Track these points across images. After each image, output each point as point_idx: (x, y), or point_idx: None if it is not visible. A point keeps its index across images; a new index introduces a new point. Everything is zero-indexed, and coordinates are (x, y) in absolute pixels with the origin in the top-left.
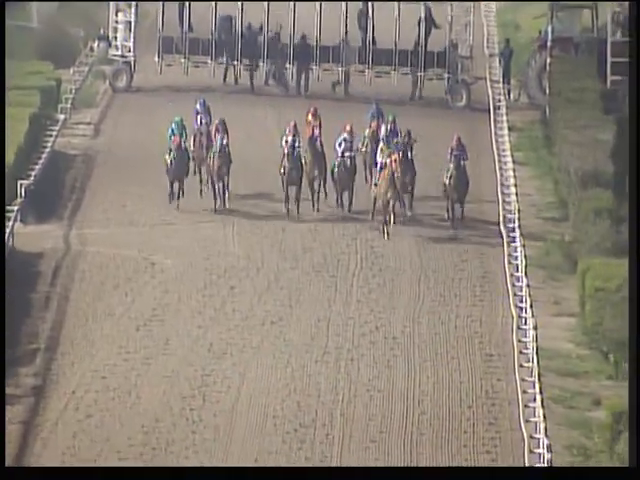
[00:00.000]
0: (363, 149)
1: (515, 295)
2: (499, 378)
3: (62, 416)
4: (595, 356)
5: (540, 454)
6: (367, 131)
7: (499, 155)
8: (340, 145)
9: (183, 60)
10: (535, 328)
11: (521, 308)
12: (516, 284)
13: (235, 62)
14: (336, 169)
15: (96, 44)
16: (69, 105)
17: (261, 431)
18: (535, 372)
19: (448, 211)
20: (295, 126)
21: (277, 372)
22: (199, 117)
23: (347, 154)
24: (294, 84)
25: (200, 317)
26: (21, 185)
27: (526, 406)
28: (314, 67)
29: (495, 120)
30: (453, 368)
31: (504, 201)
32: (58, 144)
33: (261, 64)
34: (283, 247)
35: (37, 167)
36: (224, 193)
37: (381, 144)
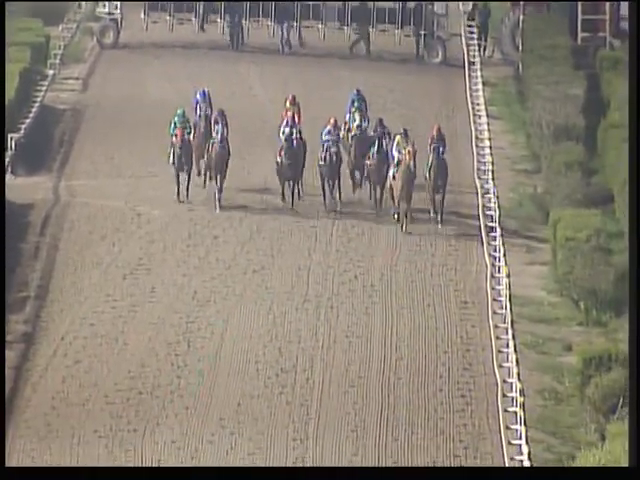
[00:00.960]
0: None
1: (489, 244)
2: (473, 324)
3: (51, 362)
4: (566, 303)
5: (513, 398)
6: (351, 125)
7: (474, 109)
8: (325, 139)
9: (168, 18)
10: (508, 276)
11: (495, 257)
12: (490, 234)
13: (219, 19)
14: (321, 162)
15: (84, 2)
16: (58, 61)
17: (243, 376)
18: (508, 319)
19: (432, 203)
20: (293, 117)
21: (259, 319)
22: (199, 107)
23: (333, 149)
24: (278, 41)
25: (185, 266)
26: (11, 138)
27: (499, 351)
28: (295, 24)
29: (470, 76)
30: (429, 315)
31: (478, 154)
32: (47, 98)
33: (244, 22)
34: (265, 198)
35: (27, 121)
36: (221, 185)
37: (398, 137)
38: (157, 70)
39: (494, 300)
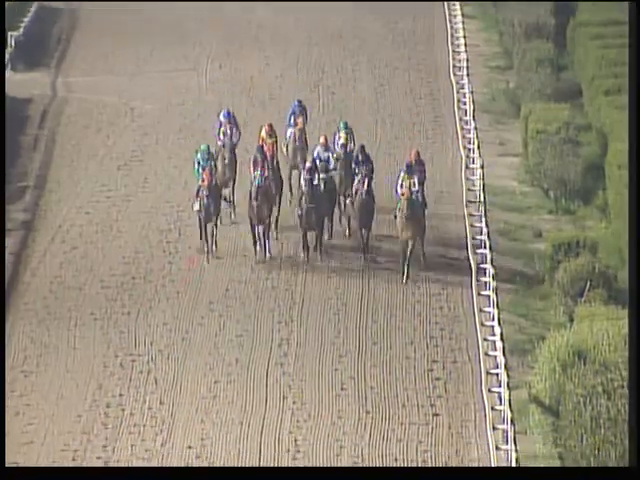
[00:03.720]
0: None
1: (464, 137)
2: (449, 213)
3: (49, 248)
4: (537, 193)
5: (486, 282)
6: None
7: (449, 8)
8: (313, 166)
9: None
10: (482, 167)
11: (469, 149)
12: (465, 127)
13: None
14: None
15: None
16: None
17: (232, 262)
18: (482, 207)
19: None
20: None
21: (246, 209)
22: (222, 132)
23: (322, 175)
24: None
25: (176, 158)
26: (11, 36)
27: (473, 238)
28: None
29: None
30: None
31: (454, 51)
32: None
33: None
34: (251, 94)
35: (26, 20)
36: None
37: (402, 173)
38: None
39: (468, 190)
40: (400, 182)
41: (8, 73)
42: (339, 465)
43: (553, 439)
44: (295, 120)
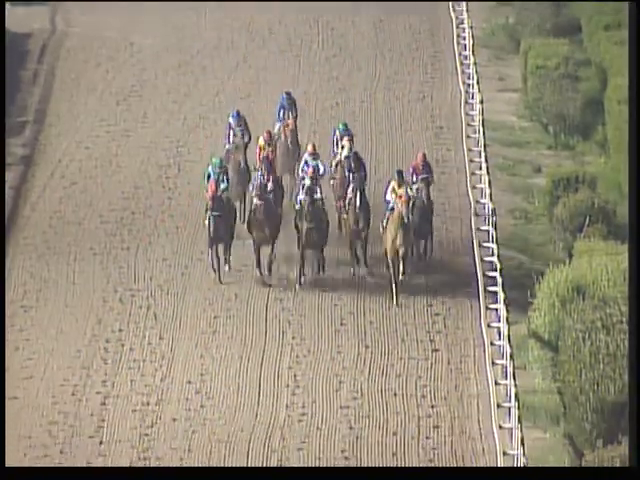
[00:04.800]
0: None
1: (463, 73)
2: (448, 148)
3: (49, 182)
4: (536, 128)
5: (485, 217)
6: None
7: None
8: (303, 180)
9: None
10: (481, 102)
11: (469, 84)
12: (464, 62)
13: None
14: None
15: None
16: None
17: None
18: (481, 142)
19: (416, 249)
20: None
21: None
22: (232, 134)
23: (315, 196)
24: None
25: (175, 93)
26: None
27: (473, 174)
28: None
29: None
30: (407, 139)
31: None
32: None
33: None
34: (251, 29)
35: None
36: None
37: (392, 183)
38: None
39: (468, 125)
40: (390, 189)
41: (8, 7)
42: (338, 402)
43: (552, 374)
44: (285, 115)
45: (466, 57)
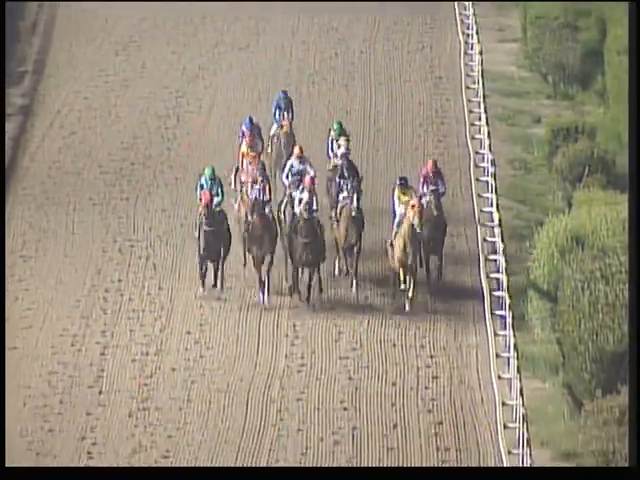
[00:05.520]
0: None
1: (462, 23)
2: (448, 98)
3: (48, 133)
4: (535, 78)
5: (485, 168)
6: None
7: None
8: (289, 181)
9: None
10: (481, 53)
11: (468, 35)
12: (463, 12)
13: None
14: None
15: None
16: None
17: (230, 145)
18: (480, 93)
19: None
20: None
21: (244, 94)
22: (246, 141)
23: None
24: None
25: (174, 43)
26: None
27: (472, 124)
28: None
29: None
30: (406, 90)
31: None
32: None
33: None
34: None
35: None
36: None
37: (397, 191)
38: None
39: (467, 75)
40: (396, 198)
41: None
42: (337, 353)
43: (551, 324)
44: (281, 115)
45: (465, 7)
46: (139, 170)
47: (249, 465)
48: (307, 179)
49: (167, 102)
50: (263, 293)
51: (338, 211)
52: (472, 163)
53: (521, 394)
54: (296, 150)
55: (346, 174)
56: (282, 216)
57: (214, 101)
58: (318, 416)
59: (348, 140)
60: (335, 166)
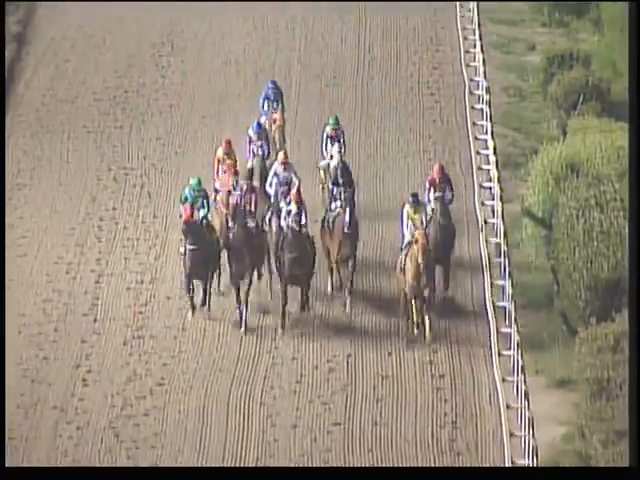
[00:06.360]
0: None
1: None
2: (443, 26)
3: (42, 60)
4: (530, 5)
5: (479, 95)
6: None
7: None
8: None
9: None
10: None
11: None
12: None
13: None
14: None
15: None
16: None
17: (224, 76)
18: (475, 20)
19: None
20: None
21: (239, 21)
22: (252, 150)
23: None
24: None
25: None
26: None
27: (467, 51)
28: None
29: None
30: (400, 18)
31: None
32: None
33: None
34: None
35: None
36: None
37: (407, 206)
38: None
39: (461, 5)
40: (405, 216)
41: None
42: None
43: (546, 252)
44: (269, 107)
45: None
46: (133, 98)
47: (243, 392)
48: (294, 192)
49: (160, 29)
50: (241, 317)
51: (331, 220)
52: (467, 90)
53: (515, 322)
54: (280, 156)
55: (340, 181)
56: (267, 228)
57: (209, 29)
58: (313, 345)
59: (342, 146)
60: (329, 166)
